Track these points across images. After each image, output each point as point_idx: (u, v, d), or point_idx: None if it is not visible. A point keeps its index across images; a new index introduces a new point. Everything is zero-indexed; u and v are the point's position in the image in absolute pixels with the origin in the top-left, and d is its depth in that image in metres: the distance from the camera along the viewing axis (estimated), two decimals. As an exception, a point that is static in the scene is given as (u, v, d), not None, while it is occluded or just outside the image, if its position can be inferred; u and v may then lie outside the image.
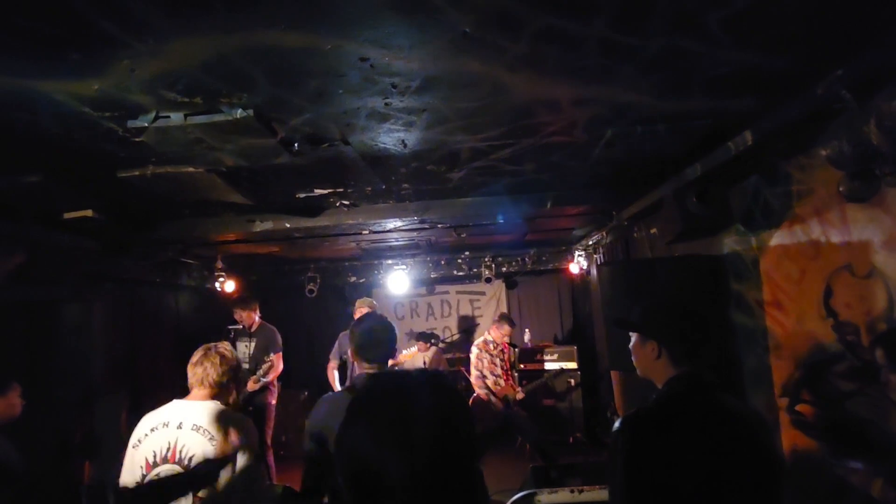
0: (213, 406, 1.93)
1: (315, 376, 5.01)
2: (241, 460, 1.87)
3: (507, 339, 4.85)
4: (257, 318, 4.56)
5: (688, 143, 2.36)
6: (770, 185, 2.43)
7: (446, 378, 0.86)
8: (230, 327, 4.83)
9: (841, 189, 1.86)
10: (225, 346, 2.05)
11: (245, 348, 4.48)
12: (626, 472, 1.27)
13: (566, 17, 1.33)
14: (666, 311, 1.49)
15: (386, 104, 1.80)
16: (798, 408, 2.34)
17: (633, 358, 1.53)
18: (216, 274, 4.99)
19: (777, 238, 2.42)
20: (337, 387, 4.64)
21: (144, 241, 3.61)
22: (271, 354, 4.33)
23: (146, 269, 4.42)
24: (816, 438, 2.23)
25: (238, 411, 2.04)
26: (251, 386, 4.16)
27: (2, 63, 1.39)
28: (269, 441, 4.39)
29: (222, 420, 1.89)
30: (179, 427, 1.86)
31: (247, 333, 4.54)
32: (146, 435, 1.87)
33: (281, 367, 4.42)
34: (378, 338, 1.89)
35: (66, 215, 2.86)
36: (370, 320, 1.96)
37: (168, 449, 1.84)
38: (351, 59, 1.47)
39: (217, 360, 1.97)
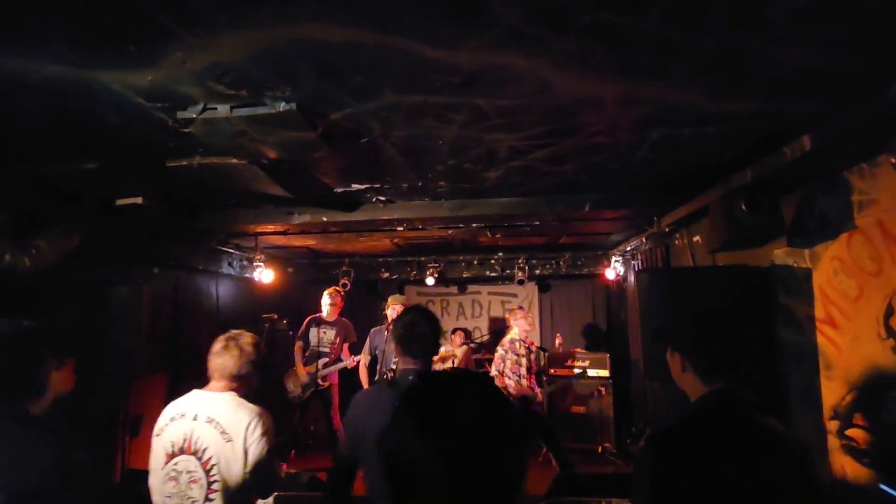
0: (228, 398, 1.94)
1: (345, 371, 5.08)
2: (253, 454, 1.87)
3: (527, 328, 4.68)
4: (339, 311, 5.01)
5: (739, 147, 2.25)
6: (828, 194, 2.29)
7: (487, 376, 0.84)
8: (265, 316, 4.99)
9: (909, 201, 1.72)
10: (246, 339, 2.01)
11: (322, 334, 4.86)
12: (651, 491, 1.22)
13: (616, 11, 1.28)
14: (692, 322, 1.41)
15: (426, 100, 1.79)
16: (849, 433, 2.19)
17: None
18: (255, 264, 5.13)
19: (833, 251, 2.27)
20: (366, 383, 4.68)
21: (189, 228, 3.75)
22: (346, 346, 4.91)
23: (190, 256, 4.59)
24: (868, 466, 2.09)
25: (256, 403, 2.01)
26: (352, 364, 4.73)
27: (66, 54, 1.46)
28: (336, 422, 4.79)
29: (235, 412, 1.90)
30: (195, 419, 1.90)
31: (324, 322, 4.91)
32: (167, 425, 1.92)
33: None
34: (420, 331, 1.84)
35: (118, 202, 3.00)
36: (413, 313, 1.90)
37: (185, 440, 1.88)
38: (394, 54, 1.47)
39: (237, 353, 1.95)
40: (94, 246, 3.27)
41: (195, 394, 1.98)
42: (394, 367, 4.47)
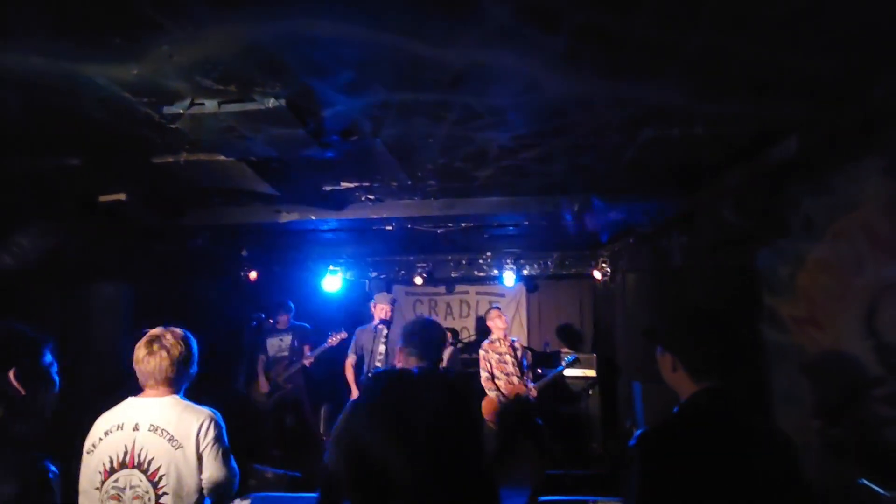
0: (170, 402, 1.79)
1: (333, 371, 5.07)
2: (208, 459, 1.75)
3: (505, 328, 4.65)
4: (290, 318, 5.22)
5: (726, 149, 2.28)
6: (813, 195, 2.32)
7: (450, 376, 0.85)
8: (253, 316, 4.97)
9: (893, 202, 1.76)
10: (169, 338, 1.85)
11: (280, 342, 5.10)
12: (642, 489, 1.23)
13: (607, 12, 1.29)
14: (684, 323, 1.43)
15: (417, 98, 1.78)
16: (832, 431, 2.23)
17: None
18: (242, 262, 5.10)
19: (818, 252, 2.31)
20: (352, 382, 4.66)
21: (174, 227, 3.69)
22: (306, 348, 5.07)
23: (175, 254, 4.52)
24: (850, 464, 2.13)
25: (200, 404, 1.87)
26: (308, 361, 4.99)
27: (48, 46, 1.42)
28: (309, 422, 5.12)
29: (181, 417, 1.76)
30: (136, 428, 1.75)
31: (279, 330, 5.12)
32: (101, 439, 1.76)
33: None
34: (430, 335, 2.03)
35: (101, 198, 2.94)
36: (423, 320, 2.12)
37: (126, 453, 1.72)
38: (385, 50, 1.46)
39: (164, 355, 1.80)
40: (76, 244, 3.20)
41: (131, 402, 1.83)
42: (379, 365, 4.46)
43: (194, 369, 1.92)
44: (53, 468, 1.28)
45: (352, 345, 4.78)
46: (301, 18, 1.31)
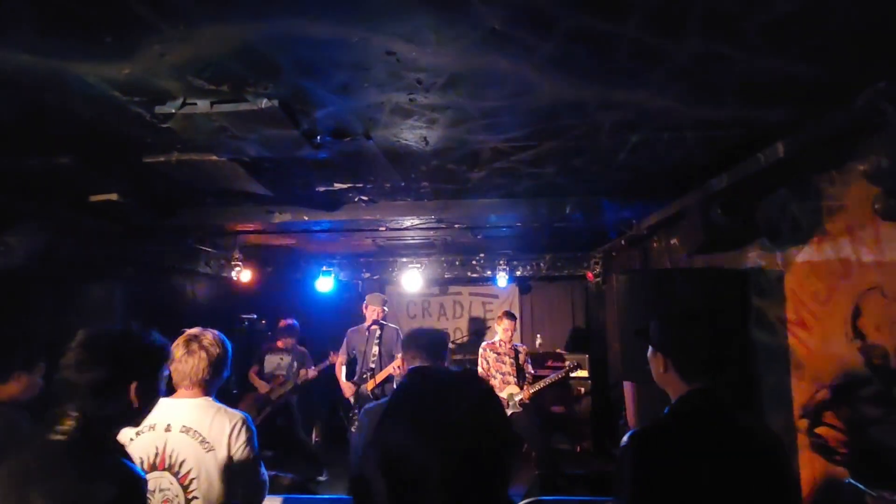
0: (203, 404, 1.77)
1: (325, 372, 5.06)
2: (239, 462, 1.73)
3: (510, 334, 4.72)
4: (295, 342, 5.20)
5: (715, 153, 2.31)
6: (799, 199, 2.36)
7: (479, 376, 0.85)
8: (244, 317, 4.94)
9: (876, 207, 1.79)
10: (207, 338, 1.83)
11: (279, 361, 5.10)
12: (633, 488, 1.24)
13: (598, 17, 1.30)
14: (675, 324, 1.45)
15: (410, 100, 1.79)
16: (818, 431, 2.26)
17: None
18: (233, 263, 5.07)
19: (804, 255, 2.34)
20: (344, 382, 4.65)
21: (166, 226, 3.67)
22: (302, 371, 5.08)
23: (166, 255, 4.49)
24: (837, 463, 2.16)
25: (233, 408, 1.86)
26: (312, 375, 5.02)
27: (37, 44, 1.41)
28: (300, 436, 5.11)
29: (214, 419, 1.75)
30: (168, 430, 1.72)
31: (280, 350, 5.11)
32: (132, 439, 1.72)
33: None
34: (431, 336, 2.14)
35: (92, 198, 2.92)
36: (420, 327, 2.31)
37: (157, 455, 1.70)
38: (378, 52, 1.46)
39: (203, 356, 1.79)
40: (66, 243, 3.17)
41: (164, 402, 1.76)
42: (372, 366, 4.46)
43: (227, 373, 1.91)
44: (141, 472, 1.28)
45: (343, 346, 4.78)
46: (294, 19, 1.31)
